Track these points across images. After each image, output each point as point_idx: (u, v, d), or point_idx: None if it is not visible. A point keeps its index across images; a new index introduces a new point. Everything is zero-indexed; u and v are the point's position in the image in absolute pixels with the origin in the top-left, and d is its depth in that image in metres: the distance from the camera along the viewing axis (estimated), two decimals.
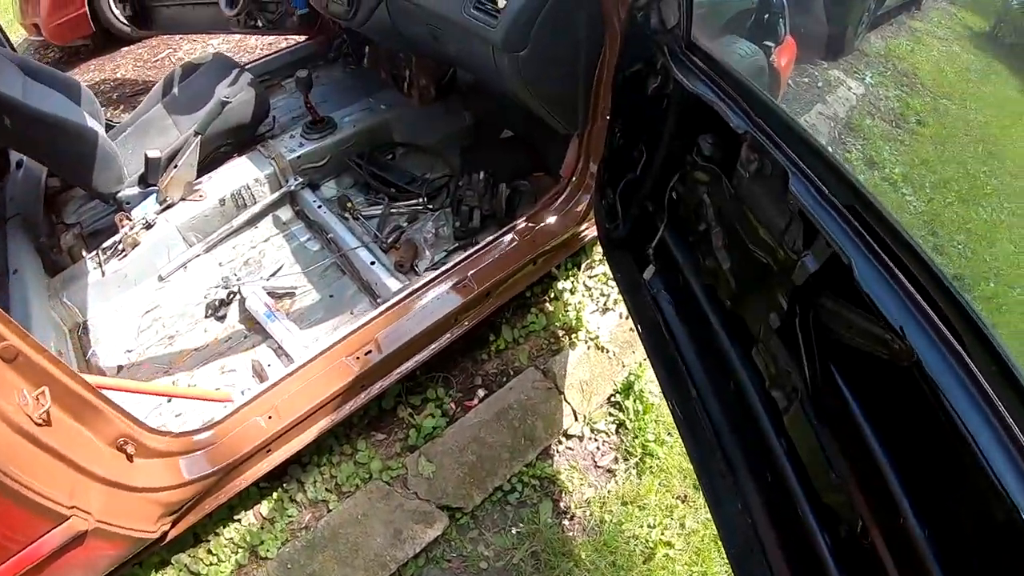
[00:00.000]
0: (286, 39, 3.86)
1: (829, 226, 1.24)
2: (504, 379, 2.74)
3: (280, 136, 2.98)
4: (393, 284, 2.53)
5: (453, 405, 2.65)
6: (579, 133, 2.51)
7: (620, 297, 2.96)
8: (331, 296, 2.64)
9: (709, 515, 2.59)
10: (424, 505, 2.46)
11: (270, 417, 2.10)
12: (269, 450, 2.13)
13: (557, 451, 2.70)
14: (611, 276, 2.98)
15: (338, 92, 3.25)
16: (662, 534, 2.60)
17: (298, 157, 2.89)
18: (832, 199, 1.26)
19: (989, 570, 1.02)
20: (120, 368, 2.44)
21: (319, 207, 2.82)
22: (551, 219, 2.64)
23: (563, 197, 2.66)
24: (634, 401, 2.79)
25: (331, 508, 2.43)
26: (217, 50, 4.66)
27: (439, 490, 2.50)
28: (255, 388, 2.33)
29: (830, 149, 1.35)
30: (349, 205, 2.86)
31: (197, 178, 2.73)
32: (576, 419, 2.75)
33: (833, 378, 1.37)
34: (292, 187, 2.86)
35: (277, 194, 2.87)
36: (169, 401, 2.30)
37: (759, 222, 1.55)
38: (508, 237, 2.55)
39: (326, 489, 2.47)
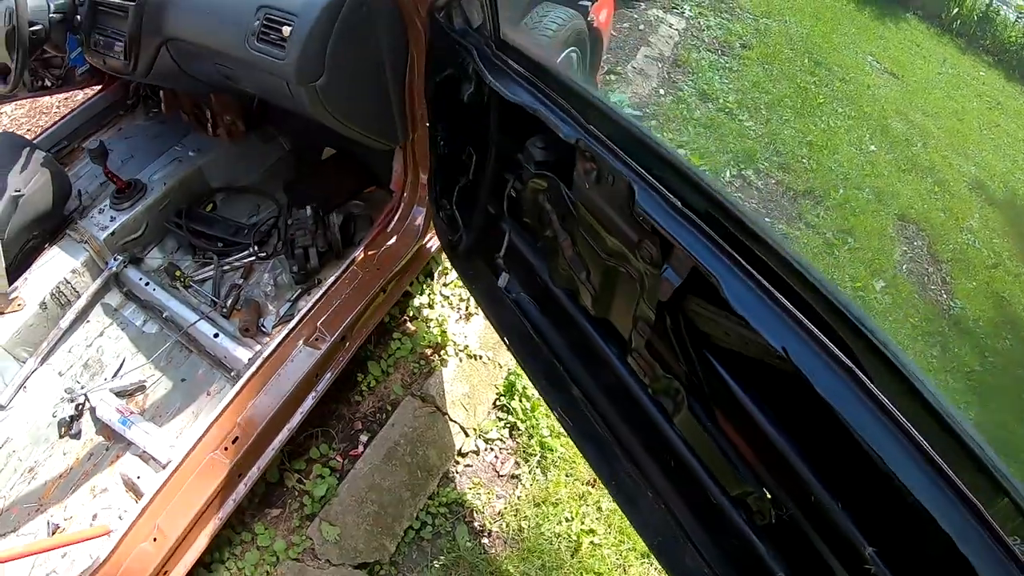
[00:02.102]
0: (83, 91, 3.80)
1: (685, 240, 1.25)
2: (384, 416, 2.94)
3: (90, 212, 3.00)
4: (243, 354, 2.66)
5: (339, 458, 2.84)
6: (402, 145, 2.66)
7: None
8: (183, 380, 2.76)
9: None
10: (341, 571, 2.68)
11: (155, 539, 2.25)
12: (166, 572, 2.26)
13: (456, 473, 2.93)
14: None
15: (144, 144, 3.27)
16: (582, 523, 2.88)
17: (112, 234, 2.93)
18: (682, 208, 1.28)
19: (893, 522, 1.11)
20: None
21: (146, 284, 2.90)
22: (391, 240, 2.81)
23: (398, 214, 2.84)
24: (519, 400, 3.05)
25: None
26: (8, 118, 4.52)
27: (351, 550, 2.71)
28: (131, 509, 2.45)
29: (677, 152, 1.36)
30: (178, 274, 2.95)
31: (10, 285, 2.75)
32: (467, 435, 2.99)
33: (715, 371, 1.45)
34: (113, 268, 2.93)
35: (99, 280, 2.93)
36: None
37: (608, 232, 1.61)
38: (350, 272, 2.70)
39: None
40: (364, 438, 2.89)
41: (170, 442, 2.57)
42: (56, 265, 2.87)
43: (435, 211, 2.61)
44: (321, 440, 2.87)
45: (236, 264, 3.00)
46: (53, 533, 2.50)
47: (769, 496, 1.41)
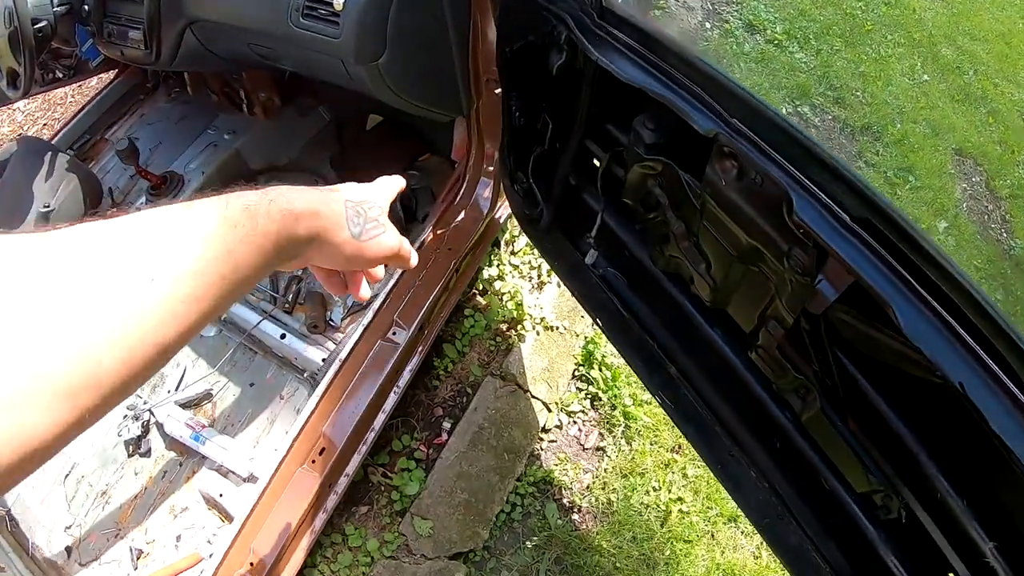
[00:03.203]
0: (98, 78, 3.33)
1: (851, 257, 1.06)
2: (464, 400, 2.63)
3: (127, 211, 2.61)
4: (314, 353, 2.34)
5: (423, 448, 2.54)
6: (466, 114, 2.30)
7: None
8: (251, 385, 2.44)
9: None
10: (437, 563, 2.45)
11: (252, 564, 2.01)
12: None
13: (541, 450, 2.66)
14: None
15: (171, 129, 2.89)
16: (669, 492, 2.65)
17: None
18: (849, 222, 1.08)
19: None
20: (69, 551, 2.26)
21: None
22: (460, 216, 2.48)
23: (464, 186, 2.48)
24: (599, 369, 2.75)
25: None
26: (21, 114, 4.03)
27: (445, 541, 2.46)
28: (217, 530, 2.16)
29: (836, 155, 1.13)
30: None
31: None
32: (549, 410, 2.70)
33: (852, 376, 1.29)
34: None
35: None
36: None
37: (746, 232, 1.37)
38: (421, 256, 2.34)
39: None
40: (447, 425, 2.59)
41: (248, 454, 2.28)
42: None
43: (509, 184, 2.27)
44: (402, 431, 2.57)
45: None
46: (137, 559, 2.25)
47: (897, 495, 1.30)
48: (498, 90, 2.15)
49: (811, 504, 1.58)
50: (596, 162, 1.95)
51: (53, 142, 2.71)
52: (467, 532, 2.46)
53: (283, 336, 2.40)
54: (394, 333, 2.27)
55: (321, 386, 2.14)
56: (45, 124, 3.63)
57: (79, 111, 2.87)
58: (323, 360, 2.32)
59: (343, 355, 2.19)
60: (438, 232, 2.39)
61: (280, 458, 2.04)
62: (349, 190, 0.86)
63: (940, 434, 1.17)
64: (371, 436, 2.26)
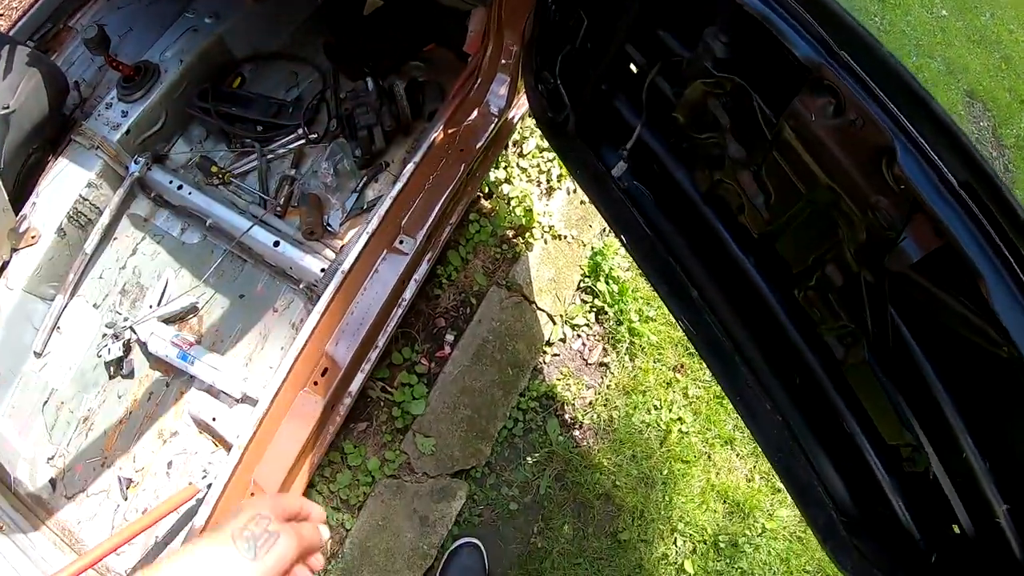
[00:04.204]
0: None
1: (951, 221, 0.94)
2: (468, 310, 2.37)
3: (95, 108, 2.23)
4: (312, 263, 2.05)
5: (425, 361, 2.29)
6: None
7: (562, 172, 2.51)
8: (241, 296, 2.14)
9: (707, 377, 2.45)
10: (439, 482, 2.25)
11: (252, 494, 1.77)
12: None
13: (545, 364, 2.44)
14: (545, 147, 2.51)
15: (143, 13, 2.43)
16: (670, 411, 2.49)
17: (127, 132, 2.20)
18: (955, 186, 0.94)
19: None
20: (54, 483, 2.00)
21: (179, 187, 2.20)
22: (472, 114, 2.14)
23: (479, 83, 2.14)
24: (606, 282, 2.51)
25: (348, 528, 2.18)
26: None
27: (447, 459, 2.27)
28: (211, 456, 1.89)
29: (949, 113, 0.96)
30: (214, 169, 2.23)
31: (17, 216, 2.01)
32: (554, 323, 2.45)
33: (903, 337, 1.19)
34: (135, 172, 2.23)
35: (121, 189, 2.23)
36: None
37: (828, 174, 1.16)
38: (429, 155, 2.04)
39: (334, 509, 2.19)
40: (450, 337, 2.32)
41: (241, 373, 2.01)
42: (67, 181, 2.17)
43: (533, 84, 1.98)
44: (403, 343, 2.30)
45: (283, 151, 2.25)
46: (127, 488, 2.01)
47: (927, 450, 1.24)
48: None
49: (824, 444, 1.51)
50: (633, 68, 1.68)
51: (10, 34, 2.26)
52: (470, 449, 2.25)
53: (276, 244, 2.07)
54: (400, 242, 1.96)
55: (322, 301, 1.83)
56: (0, 14, 3.06)
57: None
58: (322, 271, 2.01)
59: (345, 266, 1.87)
60: (449, 131, 2.05)
61: (279, 381, 1.76)
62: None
63: (976, 400, 1.13)
64: (375, 354, 1.98)
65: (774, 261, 1.48)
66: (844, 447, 1.45)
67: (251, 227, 2.09)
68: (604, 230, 2.59)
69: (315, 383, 1.84)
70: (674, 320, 1.85)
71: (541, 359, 2.41)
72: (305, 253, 2.06)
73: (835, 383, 1.46)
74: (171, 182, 2.20)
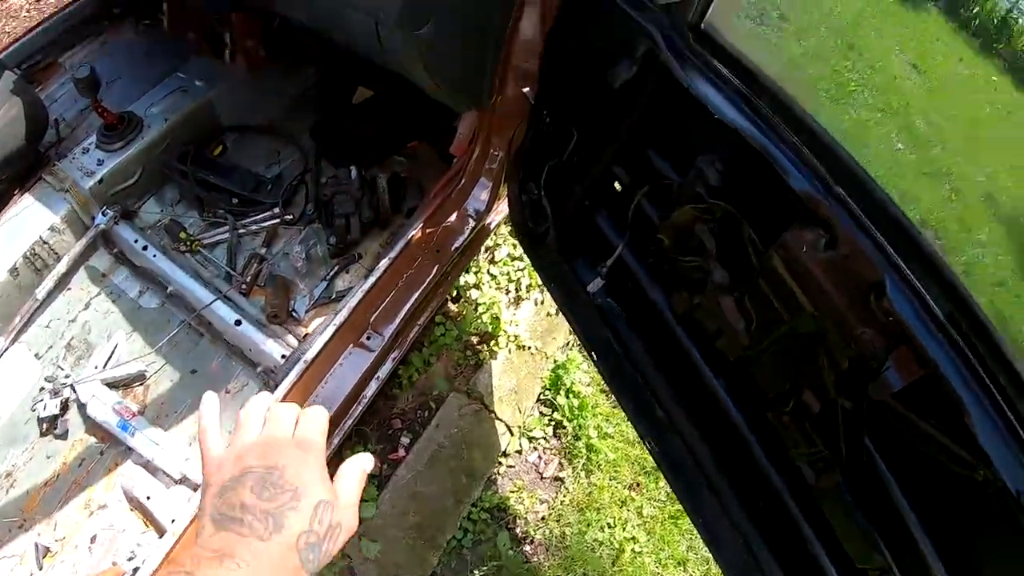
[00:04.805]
0: None
1: (936, 353, 0.93)
2: (426, 414, 2.23)
3: (71, 151, 2.09)
4: (272, 348, 1.91)
5: (378, 463, 2.09)
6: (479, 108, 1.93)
7: (531, 282, 2.44)
8: (193, 372, 1.98)
9: (662, 497, 2.33)
10: None
11: None
12: None
13: (499, 475, 2.29)
14: (517, 256, 2.44)
15: (135, 64, 2.34)
16: (623, 530, 2.35)
17: (100, 181, 2.07)
18: (942, 319, 0.94)
19: None
20: None
21: (144, 248, 2.06)
22: (452, 216, 2.07)
23: (461, 184, 2.08)
24: (566, 396, 2.40)
25: None
26: None
27: (392, 566, 2.12)
28: (142, 544, 1.70)
29: (931, 242, 1.01)
30: (183, 235, 2.09)
31: None
32: (512, 433, 2.32)
33: (875, 463, 1.14)
34: (101, 225, 2.07)
35: (84, 240, 2.08)
36: None
37: (812, 303, 1.14)
38: (406, 253, 1.95)
39: None
40: (405, 440, 2.18)
41: (183, 453, 1.81)
42: (29, 220, 2.02)
43: (516, 193, 1.93)
44: (355, 440, 2.13)
45: (256, 228, 2.14)
46: (43, 557, 1.80)
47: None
48: (525, 88, 1.77)
49: (788, 568, 1.41)
50: (618, 186, 1.66)
51: (0, 57, 2.13)
52: (416, 558, 2.08)
53: (238, 322, 1.94)
54: (368, 337, 1.84)
55: (280, 390, 1.70)
56: None
57: (35, 27, 2.28)
58: (283, 357, 1.86)
59: (309, 355, 1.75)
60: (427, 230, 1.97)
61: None
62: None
63: (948, 524, 1.08)
64: (328, 453, 1.81)
65: (746, 386, 1.43)
66: (809, 571, 1.36)
67: (213, 301, 1.95)
68: (568, 343, 2.51)
69: None
70: (639, 439, 1.78)
71: (496, 470, 2.27)
72: (267, 336, 1.92)
73: (802, 507, 1.38)
74: (136, 241, 2.06)
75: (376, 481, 2.09)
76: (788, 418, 1.30)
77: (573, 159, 1.72)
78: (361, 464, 0.79)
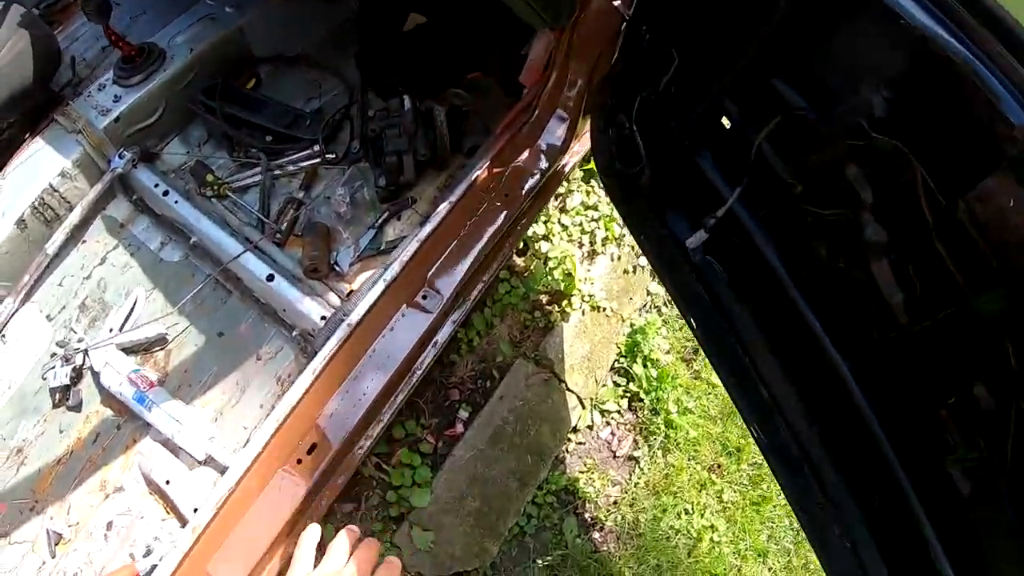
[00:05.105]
0: None
1: None
2: (488, 384, 1.92)
3: (87, 89, 1.79)
4: (311, 308, 1.60)
5: (431, 439, 1.83)
6: (557, 27, 1.56)
7: (607, 234, 2.08)
8: (220, 335, 1.67)
9: (744, 480, 2.02)
10: None
11: None
12: None
13: (568, 453, 1.96)
14: (591, 205, 2.08)
15: None
16: (702, 517, 2.08)
17: (116, 120, 1.76)
18: None
19: None
20: None
21: (165, 193, 1.75)
22: (523, 155, 1.71)
23: (534, 118, 1.72)
24: (643, 364, 2.05)
25: None
26: None
27: (446, 558, 1.83)
28: (161, 537, 1.44)
29: None
30: (209, 178, 1.78)
31: None
32: (583, 406, 1.99)
33: None
34: (118, 168, 1.78)
35: (99, 186, 1.79)
36: None
37: (1012, 275, 0.88)
38: (469, 196, 1.61)
39: None
40: (464, 413, 1.87)
41: (208, 430, 1.53)
42: (38, 165, 1.72)
43: (603, 127, 1.60)
44: (406, 415, 1.82)
45: (293, 169, 1.81)
46: (55, 544, 1.52)
47: None
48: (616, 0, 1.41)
49: None
50: (726, 123, 1.36)
51: None
52: (474, 548, 1.79)
53: (270, 277, 1.62)
54: (424, 296, 1.51)
55: (319, 357, 1.39)
56: None
57: None
58: (322, 318, 1.55)
59: (353, 317, 1.43)
60: (494, 171, 1.62)
61: (254, 452, 1.32)
62: None
63: None
64: (377, 430, 1.51)
65: (886, 372, 1.18)
66: None
67: (243, 253, 1.63)
68: (645, 305, 2.17)
69: (299, 461, 1.37)
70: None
71: (565, 447, 1.95)
72: (304, 294, 1.61)
73: (937, 521, 1.14)
74: (157, 186, 1.76)
75: (429, 461, 1.78)
76: (947, 415, 1.06)
77: (670, 89, 1.39)
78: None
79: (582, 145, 1.92)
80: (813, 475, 1.29)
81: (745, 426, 1.48)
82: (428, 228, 1.53)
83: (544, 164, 1.68)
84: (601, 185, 2.25)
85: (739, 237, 1.39)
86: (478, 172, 1.61)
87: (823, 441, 1.30)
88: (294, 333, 1.63)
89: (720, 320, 1.44)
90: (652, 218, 1.56)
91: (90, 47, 1.93)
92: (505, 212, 1.63)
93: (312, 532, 0.84)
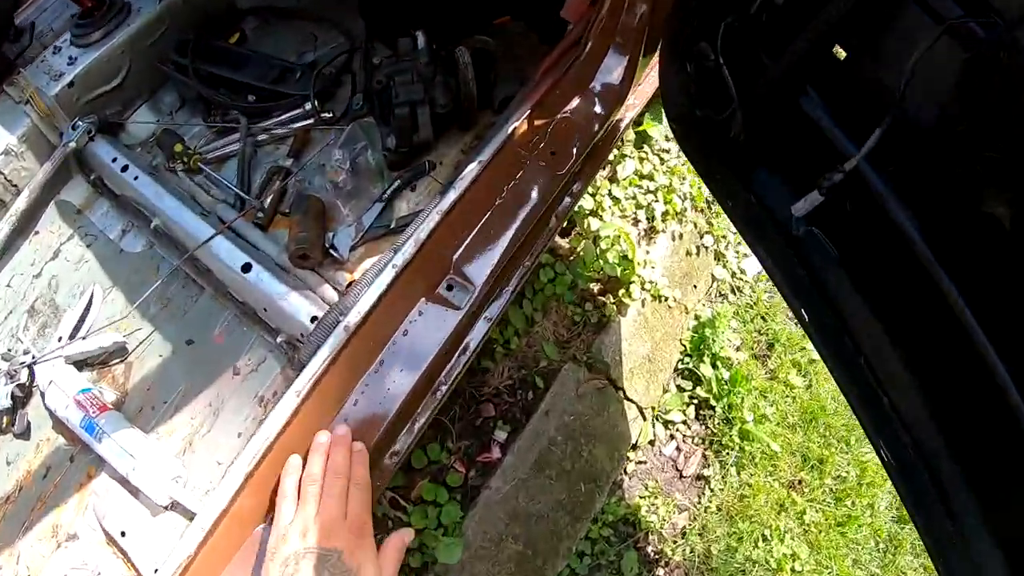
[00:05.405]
0: None
1: None
2: (530, 395, 1.53)
3: (40, 55, 1.46)
4: (301, 305, 1.21)
5: (462, 468, 1.44)
6: None
7: (667, 209, 1.69)
8: (190, 343, 1.31)
9: (827, 498, 1.65)
10: None
11: None
12: None
13: (626, 476, 1.57)
14: (645, 175, 1.69)
15: None
16: (782, 543, 1.68)
17: (69, 85, 1.42)
18: None
19: None
20: None
21: (124, 169, 1.37)
22: (573, 102, 1.30)
23: (584, 55, 1.32)
24: (712, 365, 1.65)
25: None
26: None
27: None
28: None
29: None
30: (179, 148, 1.41)
31: None
32: (644, 417, 1.59)
33: None
34: (71, 142, 1.41)
35: (49, 165, 1.43)
36: None
37: None
38: (502, 156, 1.21)
39: None
40: (501, 435, 1.48)
41: (171, 468, 1.15)
42: None
43: (678, 62, 1.21)
44: (428, 436, 1.42)
45: (280, 131, 1.43)
46: None
47: None
48: None
49: None
50: (840, 53, 1.05)
51: None
52: None
53: (246, 267, 1.24)
54: (449, 287, 1.12)
55: (306, 375, 1.00)
56: None
57: None
58: (313, 319, 1.17)
59: (352, 317, 1.04)
60: (536, 123, 1.22)
61: (229, 494, 0.94)
62: None
63: None
64: (392, 463, 1.12)
65: None
66: None
67: (212, 237, 1.26)
68: (710, 292, 1.77)
69: None
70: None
71: (622, 469, 1.57)
72: (290, 288, 1.23)
73: None
74: (115, 160, 1.39)
75: (458, 496, 1.40)
76: None
77: (762, 16, 1.06)
78: (401, 541, 0.89)
79: (638, 97, 1.54)
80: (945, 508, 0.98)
81: (867, 442, 1.14)
82: (451, 197, 1.14)
83: (601, 110, 1.29)
84: (656, 150, 1.86)
85: (858, 202, 1.02)
86: (515, 125, 1.22)
87: (968, 483, 0.97)
88: (279, 339, 1.25)
89: (823, 304, 1.11)
90: (748, 177, 1.18)
91: (58, 17, 1.57)
92: (552, 175, 1.24)
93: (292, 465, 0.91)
